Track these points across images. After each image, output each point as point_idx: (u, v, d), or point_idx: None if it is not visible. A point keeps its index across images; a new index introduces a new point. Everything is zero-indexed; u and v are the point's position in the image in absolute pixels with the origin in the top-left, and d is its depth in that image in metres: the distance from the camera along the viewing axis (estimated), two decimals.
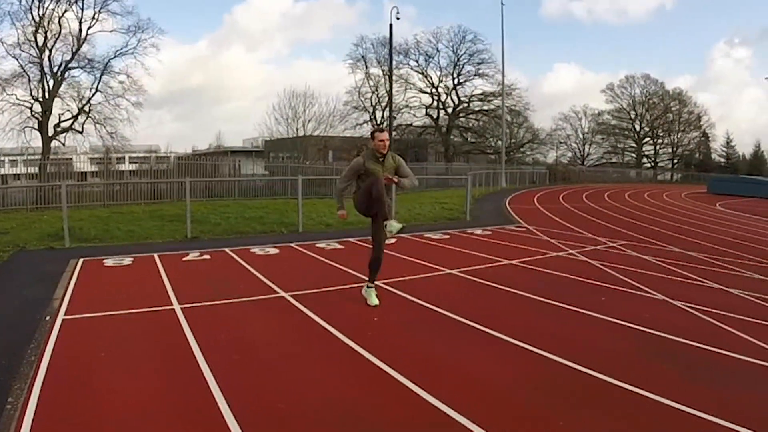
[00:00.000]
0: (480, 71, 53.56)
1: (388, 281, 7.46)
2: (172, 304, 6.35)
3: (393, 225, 5.97)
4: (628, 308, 6.53)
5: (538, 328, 5.68)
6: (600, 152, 69.04)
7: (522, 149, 60.14)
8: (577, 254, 10.23)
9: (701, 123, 70.26)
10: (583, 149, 69.11)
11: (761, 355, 5.10)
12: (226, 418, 3.60)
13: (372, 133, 6.42)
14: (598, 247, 11.17)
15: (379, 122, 47.78)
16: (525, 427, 3.60)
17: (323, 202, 18.95)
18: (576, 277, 8.19)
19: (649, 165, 68.14)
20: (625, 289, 7.57)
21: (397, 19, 33.97)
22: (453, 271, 8.41)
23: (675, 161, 70.02)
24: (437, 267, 8.65)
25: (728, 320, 6.19)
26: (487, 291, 7.39)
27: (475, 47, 53.34)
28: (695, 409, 3.84)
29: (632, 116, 68.72)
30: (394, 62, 50.69)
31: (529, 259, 9.55)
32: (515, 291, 7.27)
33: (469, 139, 56.58)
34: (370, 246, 6.58)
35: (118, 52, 34.85)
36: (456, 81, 53.97)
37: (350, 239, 11.35)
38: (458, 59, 53.62)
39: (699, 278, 8.55)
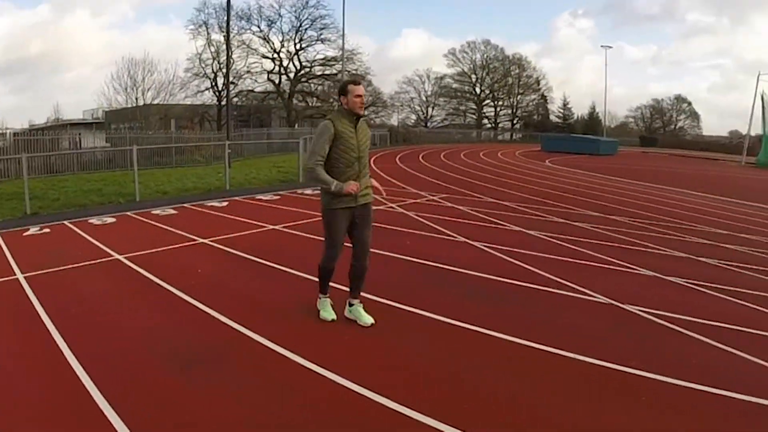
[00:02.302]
0: (322, 36, 53.82)
1: (215, 239, 7.95)
2: (15, 274, 6.47)
3: None
4: (428, 248, 7.42)
5: (340, 267, 6.22)
6: (443, 114, 72.30)
7: (365, 112, 61.28)
8: (396, 207, 11.01)
9: (540, 86, 75.53)
10: (427, 111, 72.04)
11: (535, 279, 6.22)
12: (71, 363, 4.02)
13: (343, 87, 4.89)
14: (419, 201, 12.07)
15: (221, 89, 46.61)
16: (302, 335, 4.42)
17: (162, 172, 19.61)
18: (387, 226, 8.96)
19: (489, 126, 72.19)
20: (429, 234, 8.45)
21: None
22: (276, 227, 8.85)
23: (515, 122, 74.80)
24: (261, 224, 9.09)
25: (516, 255, 7.18)
26: (305, 241, 8.01)
27: (318, 12, 53.45)
28: (471, 324, 4.84)
29: (473, 80, 72.32)
30: (236, 28, 49.59)
31: None
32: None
33: (312, 103, 56.85)
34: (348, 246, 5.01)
35: None
36: (298, 46, 53.89)
37: (185, 204, 11.44)
38: (301, 24, 53.49)
39: (503, 222, 9.61)
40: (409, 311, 5.12)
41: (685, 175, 26.63)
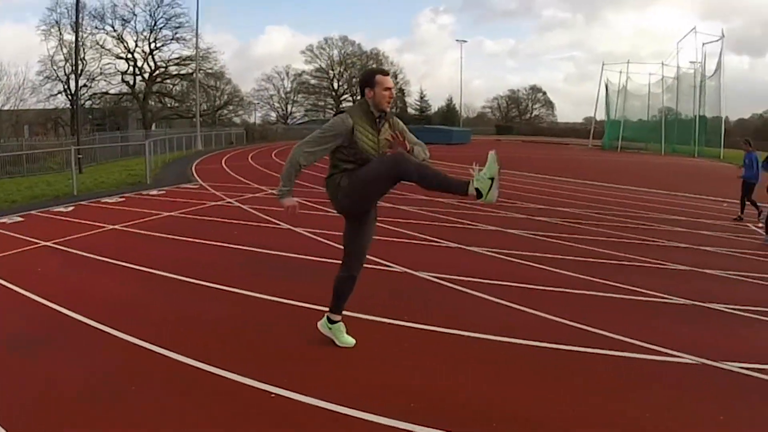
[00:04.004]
0: (177, 35, 52.78)
1: (56, 241, 8.07)
2: None
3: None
4: (252, 237, 8.18)
5: (168, 257, 7.05)
6: (302, 111, 72.93)
7: (223, 111, 60.87)
8: (233, 202, 11.70)
9: (397, 80, 77.79)
10: (286, 108, 72.28)
11: (326, 254, 7.07)
12: None
13: (369, 76, 4.09)
14: (257, 195, 12.82)
15: (74, 92, 44.56)
16: (125, 314, 4.97)
17: (13, 181, 19.10)
18: (220, 219, 9.66)
19: None
20: (257, 224, 9.20)
21: None
22: (117, 227, 9.21)
23: None
24: (103, 225, 9.36)
25: (333, 237, 8.09)
26: (140, 238, 8.44)
27: (173, 11, 52.33)
28: (272, 296, 5.62)
29: (331, 75, 73.44)
30: (89, 28, 47.49)
31: (189, 209, 10.71)
32: (163, 235, 8.46)
33: (168, 104, 55.72)
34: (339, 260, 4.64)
35: None
36: (153, 46, 52.53)
37: (32, 212, 11.34)
38: (155, 23, 52.16)
39: (331, 210, 10.51)
40: (223, 290, 5.76)
41: (531, 158, 29.24)
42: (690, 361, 4.40)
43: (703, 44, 51.17)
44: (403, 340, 4.60)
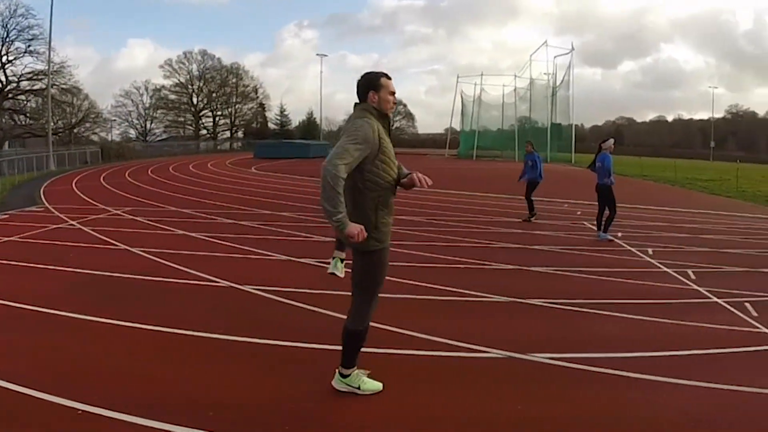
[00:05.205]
0: (31, 48, 49.88)
1: None
2: None
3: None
4: (89, 259, 8.34)
5: None
6: (161, 127, 71.23)
7: (80, 129, 58.30)
8: (76, 224, 11.68)
9: (258, 95, 77.83)
10: (145, 125, 70.27)
11: (175, 274, 7.56)
12: None
13: (374, 80, 3.91)
14: (101, 216, 12.82)
15: None
16: None
17: None
18: (59, 242, 9.71)
19: (209, 136, 72.66)
20: (95, 246, 9.40)
21: None
22: None
23: (234, 131, 76.16)
24: None
25: (166, 255, 8.53)
26: None
27: (26, 22, 49.32)
28: (96, 317, 5.87)
29: (190, 90, 72.19)
30: None
31: (28, 233, 10.61)
32: None
33: (21, 122, 52.53)
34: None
35: None
36: (5, 59, 49.35)
37: None
38: (8, 35, 49.02)
39: (171, 228, 10.95)
40: (49, 313, 5.81)
41: None
42: (497, 356, 4.79)
43: (555, 57, 55.68)
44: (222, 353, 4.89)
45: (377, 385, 4.04)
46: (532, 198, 13.58)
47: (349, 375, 3.99)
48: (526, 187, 13.65)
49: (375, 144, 3.63)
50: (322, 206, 3.48)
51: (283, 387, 4.18)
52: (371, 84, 3.85)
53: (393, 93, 3.90)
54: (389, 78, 3.92)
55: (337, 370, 4.05)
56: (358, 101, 3.93)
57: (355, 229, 3.50)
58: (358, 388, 3.98)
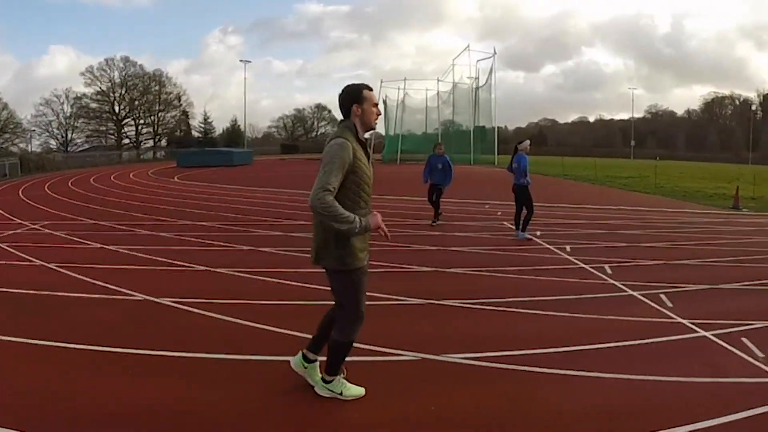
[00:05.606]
0: None
1: None
2: None
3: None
4: (1, 275, 8.40)
5: None
6: (83, 137, 69.41)
7: None
8: None
9: (181, 102, 76.65)
10: (67, 135, 68.32)
11: (82, 288, 7.74)
12: None
13: (356, 93, 3.89)
14: (18, 231, 12.74)
15: None
16: None
17: None
18: None
19: (132, 145, 71.15)
20: (12, 262, 9.43)
21: None
22: None
23: (157, 140, 74.82)
24: None
25: (79, 269, 8.67)
26: None
27: None
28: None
29: (112, 98, 70.58)
30: None
31: None
32: None
33: None
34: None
35: None
36: None
37: None
38: None
39: (87, 241, 11.06)
40: None
41: (289, 176, 31.19)
42: (410, 358, 4.89)
43: (478, 61, 57.24)
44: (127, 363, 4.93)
45: (360, 391, 4.16)
46: (438, 204, 13.75)
47: (332, 381, 4.12)
48: (436, 191, 13.64)
49: (350, 160, 3.66)
50: (338, 229, 3.58)
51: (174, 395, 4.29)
52: (353, 97, 3.83)
53: (377, 104, 3.90)
54: (371, 89, 3.92)
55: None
56: (342, 118, 3.93)
57: (375, 221, 3.72)
58: (341, 394, 4.10)
